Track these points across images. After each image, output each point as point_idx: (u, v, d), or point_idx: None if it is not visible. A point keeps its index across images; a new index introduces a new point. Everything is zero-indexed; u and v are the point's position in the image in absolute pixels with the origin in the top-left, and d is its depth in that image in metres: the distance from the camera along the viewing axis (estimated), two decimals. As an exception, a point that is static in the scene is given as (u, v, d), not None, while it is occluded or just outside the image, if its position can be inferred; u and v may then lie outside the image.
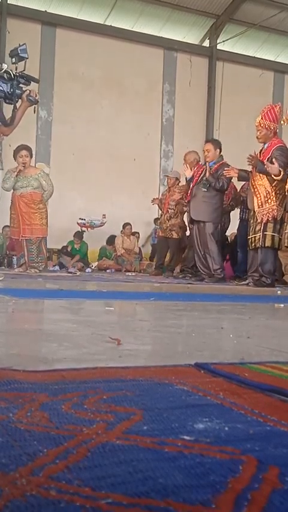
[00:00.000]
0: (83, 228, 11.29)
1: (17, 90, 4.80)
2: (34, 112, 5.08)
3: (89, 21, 12.63)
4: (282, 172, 5.90)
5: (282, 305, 3.61)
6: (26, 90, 4.90)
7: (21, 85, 4.86)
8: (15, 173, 7.15)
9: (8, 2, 11.94)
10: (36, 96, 5.00)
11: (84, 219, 11.28)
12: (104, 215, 11.41)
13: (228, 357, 1.49)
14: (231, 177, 6.79)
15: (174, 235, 8.63)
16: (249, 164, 6.20)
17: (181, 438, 0.74)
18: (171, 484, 0.59)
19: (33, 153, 10.88)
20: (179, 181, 8.64)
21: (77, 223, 11.27)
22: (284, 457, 0.68)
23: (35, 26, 12.17)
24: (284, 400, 0.97)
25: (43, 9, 12.29)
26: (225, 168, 6.65)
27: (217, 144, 7.12)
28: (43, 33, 12.30)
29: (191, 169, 7.37)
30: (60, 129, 12.34)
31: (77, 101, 12.53)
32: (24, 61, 4.86)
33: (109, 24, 12.91)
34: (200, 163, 7.49)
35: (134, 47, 13.05)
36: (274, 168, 5.89)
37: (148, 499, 0.55)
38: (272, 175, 5.95)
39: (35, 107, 5.02)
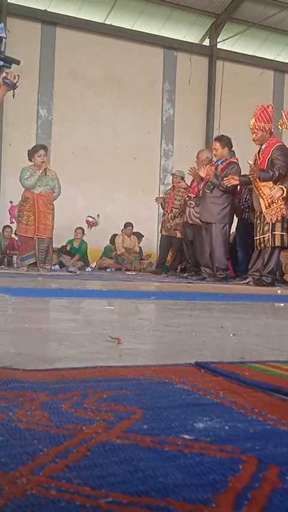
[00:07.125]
0: (90, 228, 11.21)
1: None
2: (13, 97, 4.57)
3: (89, 20, 12.62)
4: (285, 189, 5.94)
5: (282, 304, 3.62)
6: (3, 73, 4.44)
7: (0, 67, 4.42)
8: (41, 172, 7.11)
9: (8, 1, 11.93)
10: (15, 79, 4.44)
11: (94, 217, 11.17)
12: (98, 215, 11.35)
13: (228, 356, 1.49)
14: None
15: (178, 235, 8.67)
16: (251, 177, 6.21)
17: (181, 437, 0.74)
18: (171, 483, 0.59)
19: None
20: (184, 181, 8.68)
21: (87, 220, 11.16)
22: (284, 456, 0.68)
23: (35, 25, 12.16)
24: (284, 399, 0.97)
25: (43, 8, 12.28)
26: (225, 178, 6.61)
27: (225, 142, 6.99)
28: (43, 32, 12.30)
29: (204, 168, 7.32)
30: (60, 128, 12.34)
31: (77, 99, 12.53)
32: (3, 42, 4.58)
33: (109, 23, 12.90)
34: (213, 161, 7.45)
35: (134, 46, 13.04)
36: (278, 191, 5.93)
37: (148, 498, 0.55)
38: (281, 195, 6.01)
39: (13, 92, 4.52)
